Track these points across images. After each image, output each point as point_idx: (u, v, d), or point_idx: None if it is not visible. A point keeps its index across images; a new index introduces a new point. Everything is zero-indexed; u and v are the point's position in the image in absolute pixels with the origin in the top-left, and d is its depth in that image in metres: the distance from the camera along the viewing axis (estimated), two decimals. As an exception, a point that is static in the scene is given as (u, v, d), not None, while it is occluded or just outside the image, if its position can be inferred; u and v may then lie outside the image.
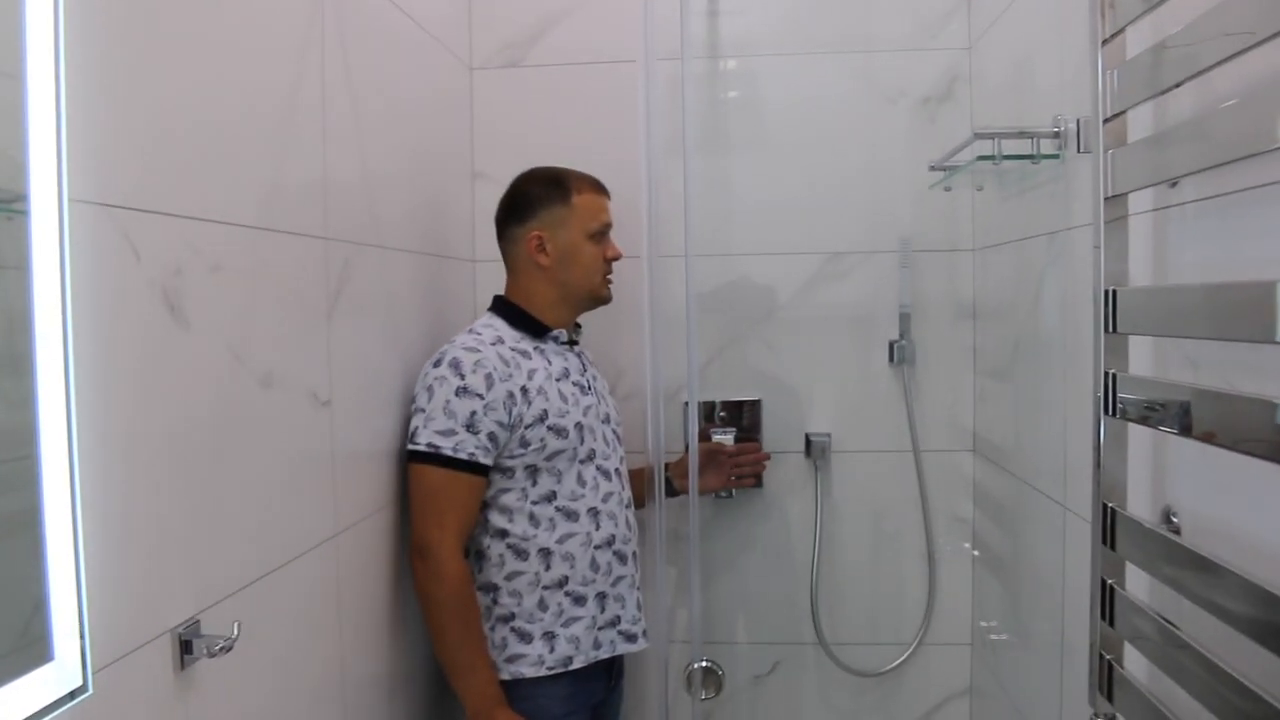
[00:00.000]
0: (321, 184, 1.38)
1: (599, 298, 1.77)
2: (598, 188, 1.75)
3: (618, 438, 1.81)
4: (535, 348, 1.70)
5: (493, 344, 1.65)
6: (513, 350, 1.66)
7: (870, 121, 2.07)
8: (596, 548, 1.69)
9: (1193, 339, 1.10)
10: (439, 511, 1.58)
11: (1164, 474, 1.23)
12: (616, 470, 1.76)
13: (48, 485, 0.80)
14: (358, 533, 1.49)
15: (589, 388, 1.75)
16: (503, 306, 1.74)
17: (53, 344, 0.81)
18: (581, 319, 1.82)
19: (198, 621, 1.05)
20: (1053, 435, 1.57)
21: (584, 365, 1.78)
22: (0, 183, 0.78)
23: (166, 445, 1.01)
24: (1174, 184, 1.17)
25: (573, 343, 1.78)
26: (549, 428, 1.64)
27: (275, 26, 1.26)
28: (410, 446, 1.60)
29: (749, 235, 2.11)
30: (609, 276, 1.76)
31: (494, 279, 2.11)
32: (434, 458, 1.57)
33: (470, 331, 1.68)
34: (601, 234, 1.74)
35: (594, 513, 1.70)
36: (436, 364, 1.62)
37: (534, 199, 1.72)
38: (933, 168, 1.86)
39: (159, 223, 0.99)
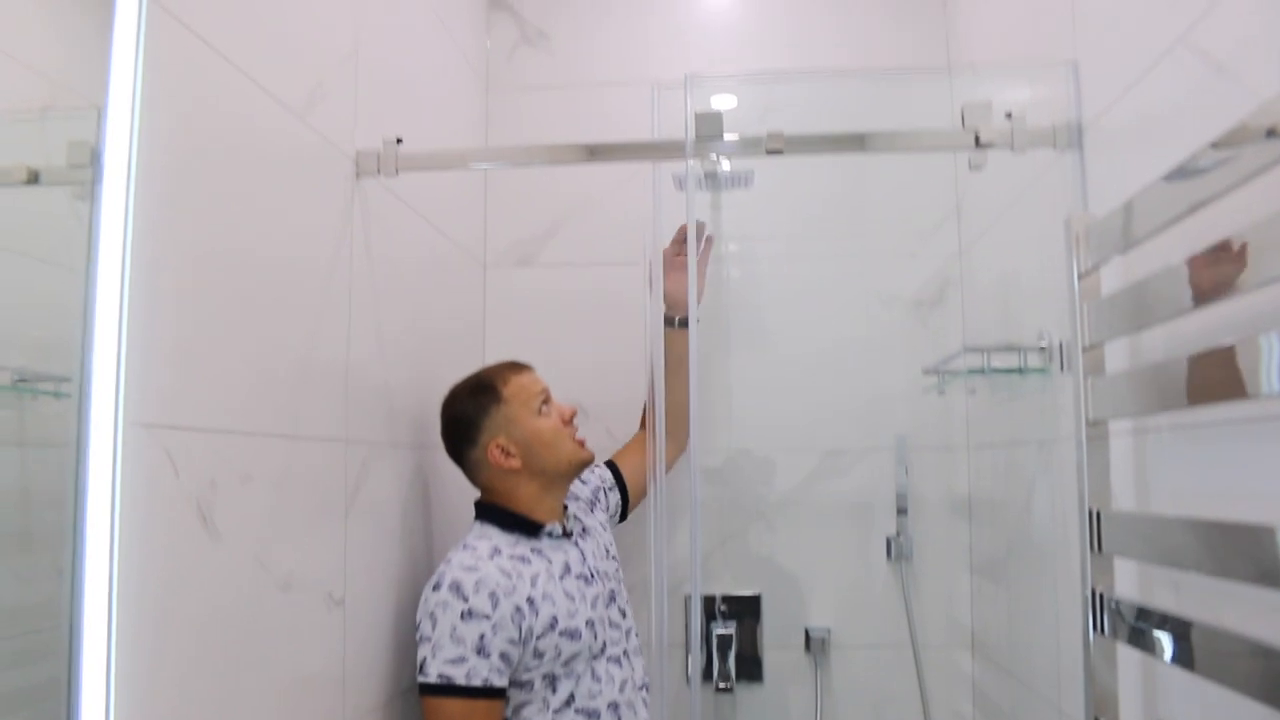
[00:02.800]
0: (343, 388, 1.45)
1: (581, 461, 1.72)
2: (516, 368, 1.74)
3: (623, 612, 1.73)
4: (533, 549, 1.64)
5: (490, 557, 1.58)
6: (511, 558, 1.60)
7: (865, 322, 2.17)
8: None
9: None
10: None
11: (1155, 688, 1.25)
12: (626, 652, 1.71)
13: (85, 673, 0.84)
14: (360, 730, 1.49)
15: (592, 576, 1.71)
16: (492, 512, 1.68)
17: (99, 559, 0.86)
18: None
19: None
20: (1046, 639, 1.59)
21: (583, 554, 1.71)
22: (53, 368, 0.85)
23: (191, 648, 1.04)
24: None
25: (567, 533, 1.71)
26: (561, 633, 1.58)
27: (306, 253, 1.36)
28: (421, 679, 1.51)
29: (749, 430, 2.17)
30: (577, 436, 1.73)
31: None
32: (447, 689, 1.49)
33: (465, 547, 1.60)
34: (545, 404, 1.71)
35: (614, 707, 1.65)
36: (436, 588, 1.54)
37: (472, 415, 1.68)
38: (926, 372, 1.95)
39: (195, 439, 1.06)
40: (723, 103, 2.09)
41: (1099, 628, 1.23)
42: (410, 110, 1.77)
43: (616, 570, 1.79)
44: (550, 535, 1.68)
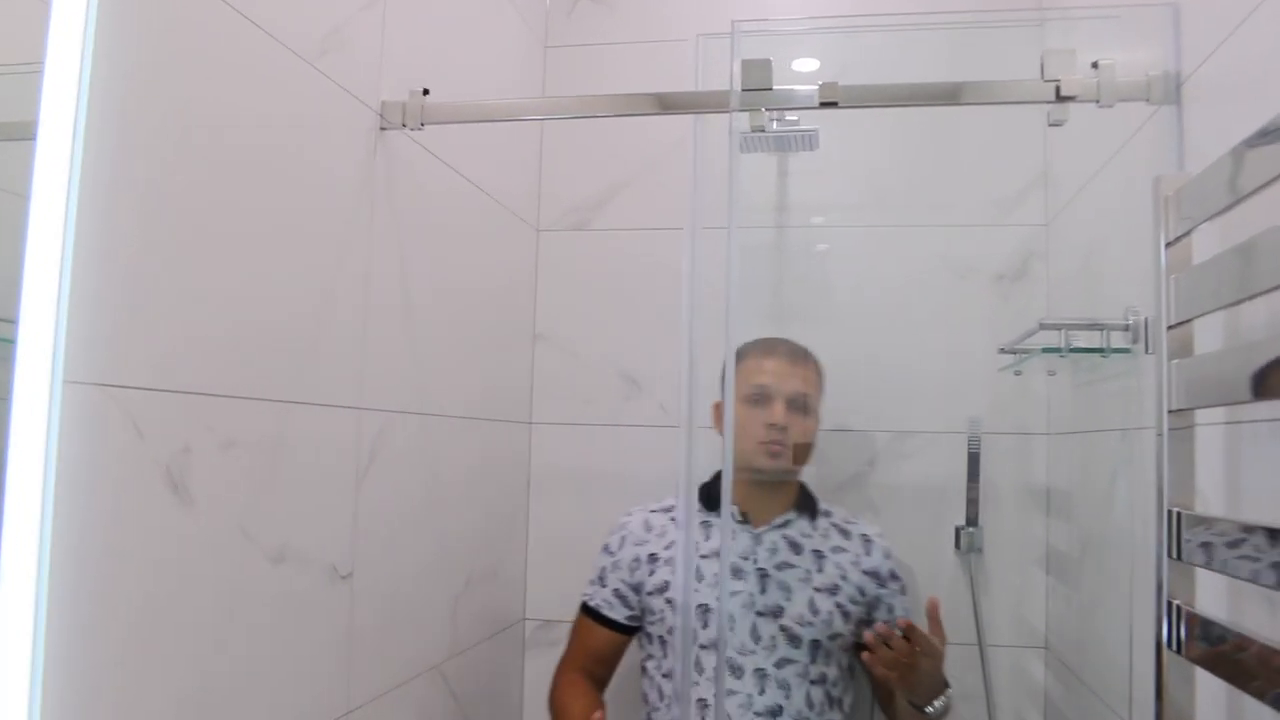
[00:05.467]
0: (359, 354, 1.37)
1: (754, 467, 1.67)
2: (765, 350, 1.72)
3: (790, 638, 1.64)
4: (702, 521, 1.72)
5: (663, 511, 1.78)
6: (672, 520, 1.75)
7: (940, 297, 2.01)
8: None
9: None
10: (566, 647, 1.79)
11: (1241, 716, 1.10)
12: (759, 670, 1.62)
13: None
14: (377, 708, 1.43)
15: (760, 575, 1.66)
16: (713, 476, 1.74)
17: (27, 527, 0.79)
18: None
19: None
20: (1119, 650, 1.43)
21: (756, 551, 1.67)
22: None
23: (158, 623, 0.97)
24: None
25: (748, 521, 1.71)
26: (668, 601, 1.66)
27: (315, 205, 1.27)
28: None
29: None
30: (771, 444, 1.65)
31: (552, 442, 2.10)
32: (582, 605, 1.78)
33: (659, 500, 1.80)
34: (756, 398, 1.66)
35: (702, 705, 1.61)
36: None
37: (722, 373, 1.68)
38: (1002, 351, 1.78)
39: (166, 400, 0.99)
40: (804, 64, 1.95)
41: (1174, 645, 1.07)
42: (453, 66, 1.67)
43: (822, 614, 1.65)
44: (731, 517, 1.69)
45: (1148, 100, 1.27)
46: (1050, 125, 1.31)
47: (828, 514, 1.78)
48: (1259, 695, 0.87)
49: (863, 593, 1.70)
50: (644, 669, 1.74)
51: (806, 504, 1.76)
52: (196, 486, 1.03)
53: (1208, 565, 1.04)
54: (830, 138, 1.99)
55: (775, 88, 1.32)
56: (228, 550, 1.09)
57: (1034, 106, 1.99)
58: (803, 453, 1.71)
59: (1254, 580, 0.92)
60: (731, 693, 1.61)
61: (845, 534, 1.75)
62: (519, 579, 2.07)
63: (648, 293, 2.08)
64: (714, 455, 1.67)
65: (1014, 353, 1.74)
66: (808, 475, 2.02)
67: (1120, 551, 1.48)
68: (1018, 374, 1.80)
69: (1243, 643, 0.92)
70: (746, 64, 1.32)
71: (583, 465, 2.09)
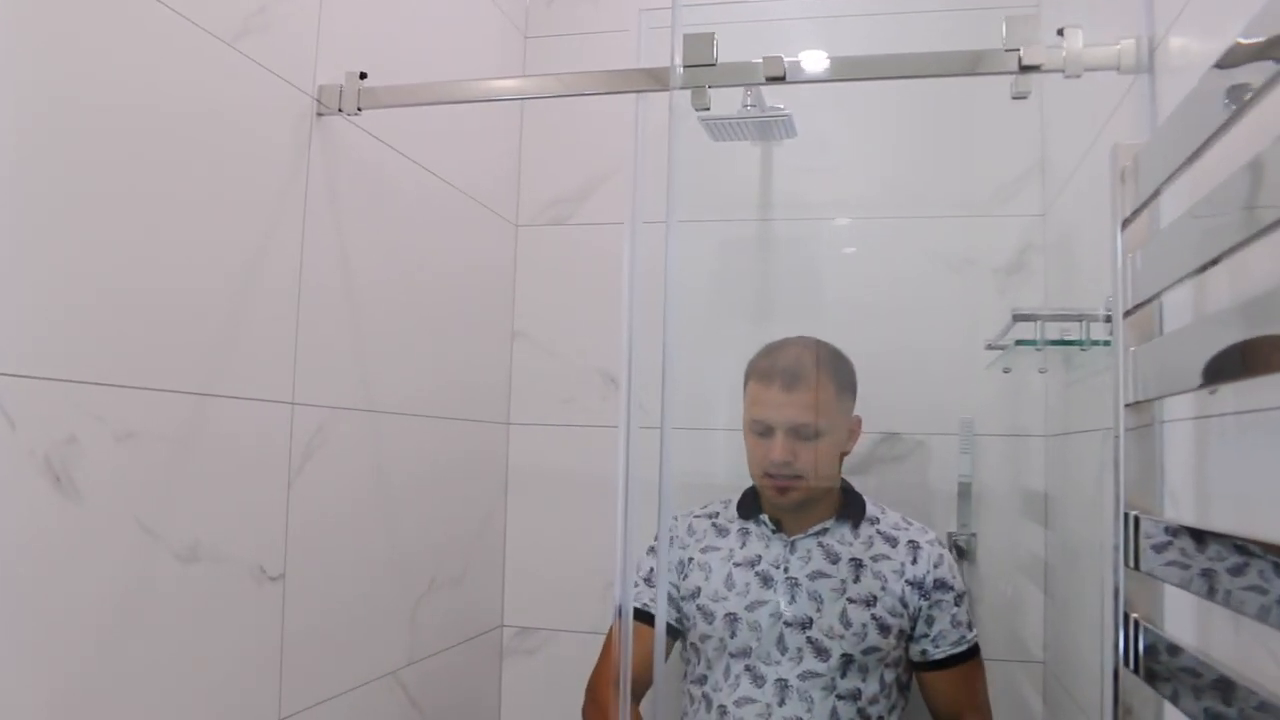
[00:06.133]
0: (291, 348, 1.32)
1: (767, 501, 1.64)
2: (764, 376, 1.61)
3: (817, 650, 1.56)
4: (740, 528, 1.67)
5: (705, 516, 1.72)
6: (713, 525, 1.70)
7: (932, 292, 1.91)
8: None
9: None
10: (601, 659, 1.70)
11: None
12: (780, 680, 1.55)
13: None
14: (315, 714, 1.37)
15: (773, 581, 1.59)
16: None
17: None
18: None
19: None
20: (1106, 670, 1.33)
21: (788, 559, 1.60)
22: None
23: (42, 621, 0.93)
24: (1213, 390, 0.98)
25: (781, 529, 1.63)
26: (698, 608, 1.62)
27: (234, 191, 1.23)
28: None
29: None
30: (776, 482, 1.58)
31: (531, 443, 2.03)
32: (633, 609, 1.65)
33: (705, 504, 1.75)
34: (758, 429, 1.59)
35: (722, 711, 1.56)
36: None
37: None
38: (989, 346, 1.69)
39: (46, 388, 0.94)
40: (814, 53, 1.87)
41: (1132, 664, 0.98)
42: (431, 55, 1.63)
43: (854, 626, 1.56)
44: (760, 523, 1.66)
45: (1118, 70, 1.18)
46: (1014, 99, 1.22)
47: (875, 520, 1.66)
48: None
49: (905, 604, 1.59)
50: (684, 673, 1.70)
51: (849, 510, 1.65)
52: (84, 479, 0.98)
53: (1165, 577, 0.94)
54: (816, 126, 1.91)
55: (720, 63, 1.24)
56: (124, 546, 1.04)
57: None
58: (824, 473, 1.62)
59: (1210, 598, 0.81)
60: (750, 700, 1.55)
61: (891, 541, 1.63)
62: (495, 584, 2.01)
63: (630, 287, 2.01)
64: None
65: (999, 348, 1.64)
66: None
67: (1099, 561, 1.38)
68: (1006, 371, 1.70)
69: (1199, 668, 0.82)
70: (689, 38, 1.25)
71: (563, 466, 2.03)
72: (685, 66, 1.24)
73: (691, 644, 1.64)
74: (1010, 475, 1.85)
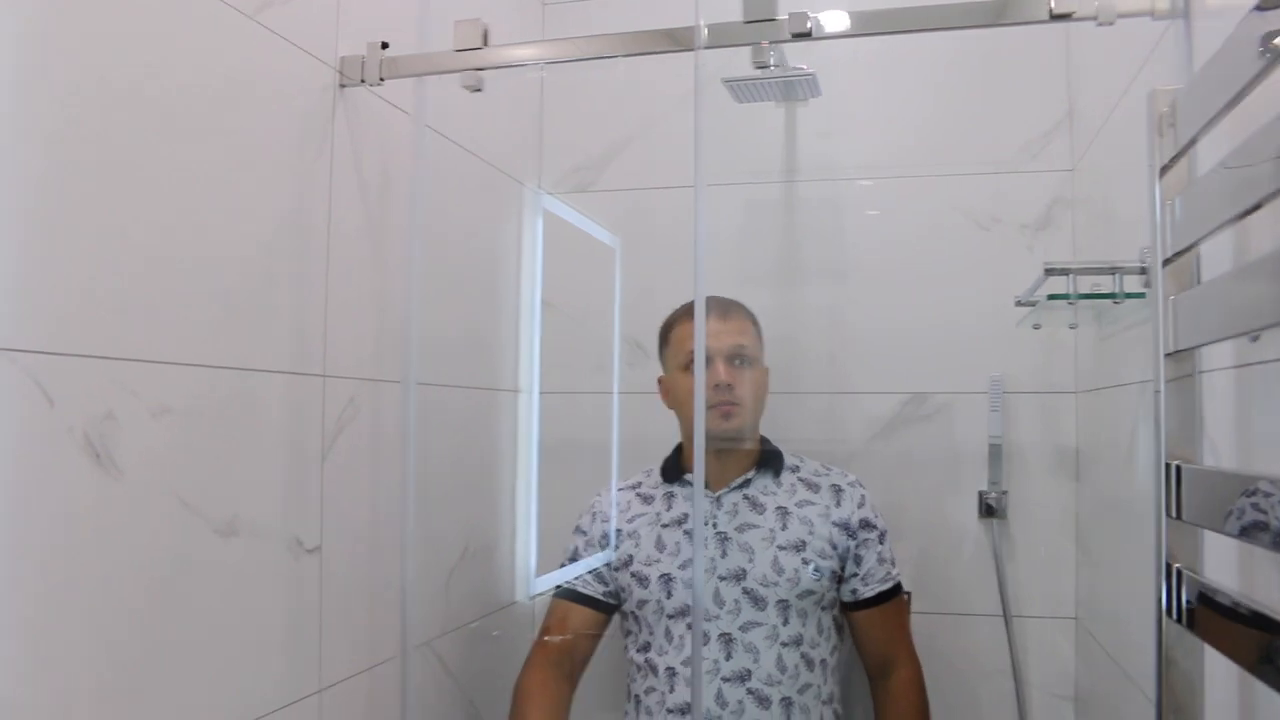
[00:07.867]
0: (321, 321, 1.32)
1: (710, 434, 1.57)
2: (691, 313, 1.60)
3: (754, 600, 1.57)
4: (665, 493, 1.70)
5: (630, 488, 1.74)
6: (638, 495, 1.72)
7: (960, 250, 1.89)
8: (669, 711, 1.55)
9: None
10: (539, 634, 1.69)
11: (1256, 699, 0.99)
12: (724, 635, 1.56)
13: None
14: (355, 684, 1.39)
15: (720, 539, 1.61)
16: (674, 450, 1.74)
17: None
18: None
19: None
20: (1141, 621, 1.32)
21: (716, 514, 1.62)
22: None
23: (86, 597, 0.94)
24: (1255, 337, 0.97)
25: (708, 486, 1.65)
26: (631, 574, 1.63)
27: (260, 164, 1.22)
28: None
29: (821, 373, 1.95)
30: (721, 405, 1.58)
31: (554, 411, 2.03)
32: (556, 587, 1.70)
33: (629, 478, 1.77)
34: (694, 363, 1.54)
35: (670, 673, 1.57)
36: None
37: (658, 346, 1.73)
38: (1019, 303, 1.67)
39: (81, 365, 0.94)
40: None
41: (1176, 614, 0.97)
42: (443, 21, 1.61)
43: (787, 572, 1.58)
44: (684, 484, 1.69)
45: (1152, 15, 1.15)
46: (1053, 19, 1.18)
47: (795, 469, 1.69)
48: (1261, 676, 0.76)
49: (833, 546, 1.61)
50: (625, 645, 1.70)
51: (769, 461, 1.68)
52: (123, 455, 0.99)
53: (1209, 525, 0.93)
54: (840, 85, 1.89)
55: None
56: (165, 521, 1.05)
57: (1053, 42, 1.88)
58: (756, 406, 1.66)
59: (1254, 542, 0.81)
60: (701, 660, 1.55)
61: (813, 487, 1.66)
62: (526, 553, 2.02)
63: (651, 253, 2.00)
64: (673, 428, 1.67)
65: (1029, 304, 1.62)
66: (822, 432, 1.94)
67: (1139, 514, 1.37)
68: (1037, 327, 1.69)
69: (1244, 613, 0.81)
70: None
71: (592, 435, 2.03)
72: (746, 22, 1.22)
73: (630, 613, 1.65)
74: (1041, 432, 1.84)
